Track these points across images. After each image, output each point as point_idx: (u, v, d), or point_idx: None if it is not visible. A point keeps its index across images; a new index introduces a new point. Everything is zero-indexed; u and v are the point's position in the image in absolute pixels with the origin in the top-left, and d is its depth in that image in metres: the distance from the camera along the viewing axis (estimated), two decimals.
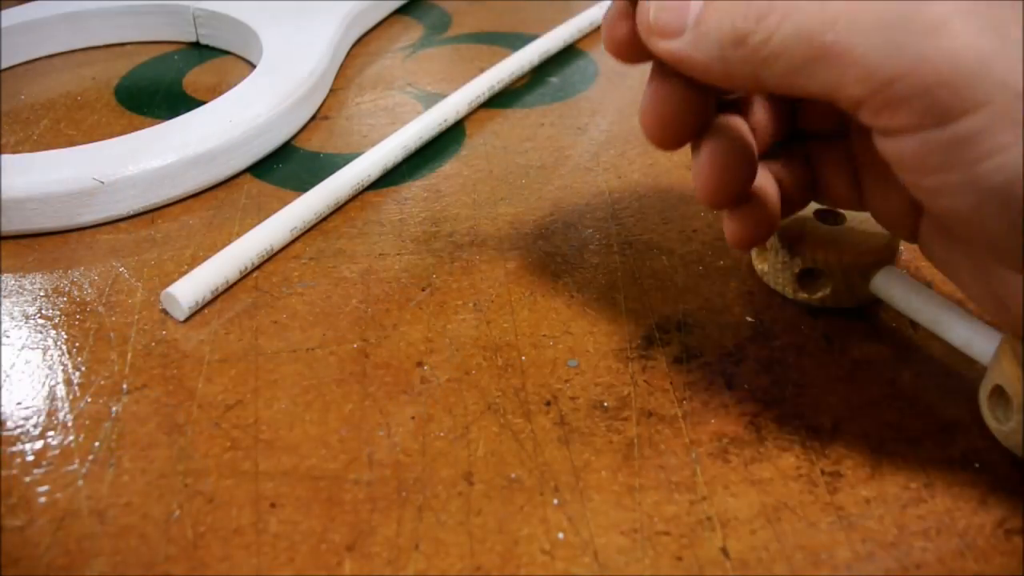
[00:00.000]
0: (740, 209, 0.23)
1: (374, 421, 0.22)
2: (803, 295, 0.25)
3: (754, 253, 0.27)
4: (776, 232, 0.25)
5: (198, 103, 0.37)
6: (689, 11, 0.19)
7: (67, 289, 0.27)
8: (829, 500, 0.20)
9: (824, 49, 0.17)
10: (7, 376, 0.24)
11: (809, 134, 0.24)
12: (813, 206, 0.26)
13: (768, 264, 0.26)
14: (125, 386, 0.24)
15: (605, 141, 0.34)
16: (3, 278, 0.28)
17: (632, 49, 0.21)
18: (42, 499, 0.20)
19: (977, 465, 0.21)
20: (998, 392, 0.21)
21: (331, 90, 0.38)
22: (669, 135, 0.22)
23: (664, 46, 0.20)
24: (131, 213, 0.30)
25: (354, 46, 0.43)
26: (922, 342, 0.24)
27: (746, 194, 0.22)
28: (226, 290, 0.27)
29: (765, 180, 0.23)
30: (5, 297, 0.27)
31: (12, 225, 0.29)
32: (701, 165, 0.22)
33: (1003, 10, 0.17)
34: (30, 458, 0.22)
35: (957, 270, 0.21)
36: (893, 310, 0.25)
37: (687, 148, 0.22)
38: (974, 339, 0.22)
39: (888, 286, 0.24)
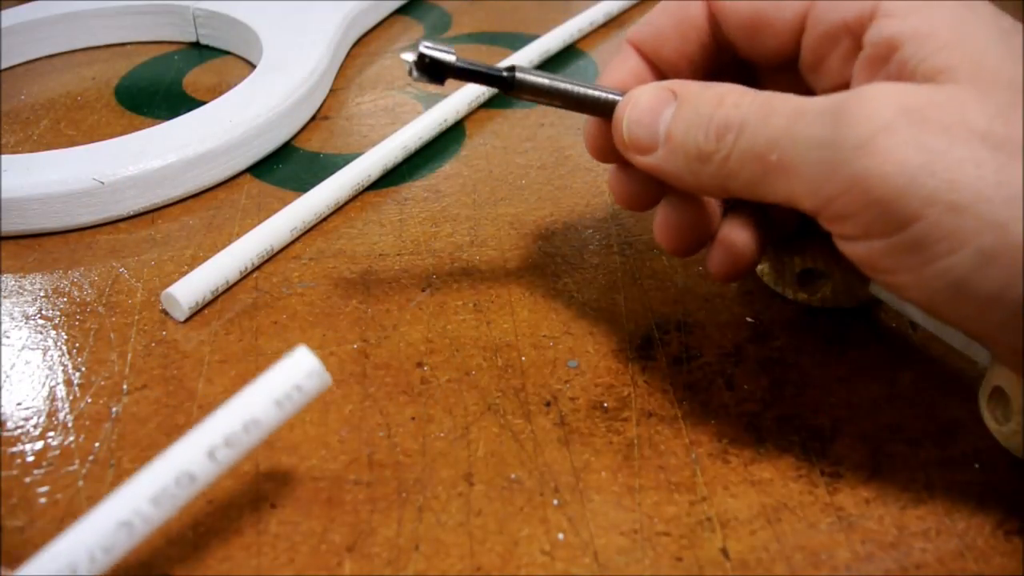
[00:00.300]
0: (710, 254, 0.23)
1: (374, 422, 0.22)
2: (803, 295, 0.25)
3: None
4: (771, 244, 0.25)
5: (198, 103, 0.37)
6: (659, 127, 0.20)
7: (67, 289, 0.27)
8: (829, 501, 0.20)
9: (772, 166, 0.18)
10: (7, 377, 0.24)
11: None
12: None
13: (768, 264, 0.26)
14: (125, 387, 0.24)
15: None
16: (3, 278, 0.28)
17: (613, 156, 0.23)
18: (42, 499, 0.20)
19: (977, 465, 0.21)
20: (998, 393, 0.21)
21: (331, 90, 0.38)
22: (633, 205, 0.24)
23: (640, 160, 0.21)
24: (131, 213, 0.30)
25: (354, 46, 0.43)
26: (922, 342, 0.24)
27: (704, 243, 0.23)
28: (226, 290, 0.27)
29: (734, 225, 0.23)
30: (5, 297, 0.27)
31: (12, 225, 0.29)
32: (656, 226, 0.23)
33: (940, 110, 0.17)
34: (30, 459, 0.22)
35: None
36: (893, 310, 0.25)
37: None
38: (973, 340, 0.22)
39: None
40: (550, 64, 0.41)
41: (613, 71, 0.23)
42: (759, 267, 0.27)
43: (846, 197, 0.17)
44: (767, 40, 0.22)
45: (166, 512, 0.17)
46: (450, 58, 0.21)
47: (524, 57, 0.39)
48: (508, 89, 0.22)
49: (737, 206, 0.23)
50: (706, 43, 0.23)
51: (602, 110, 0.22)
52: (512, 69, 0.22)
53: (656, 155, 0.21)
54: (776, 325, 0.25)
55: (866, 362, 0.24)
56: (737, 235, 0.22)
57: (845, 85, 0.20)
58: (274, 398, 0.18)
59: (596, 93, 0.22)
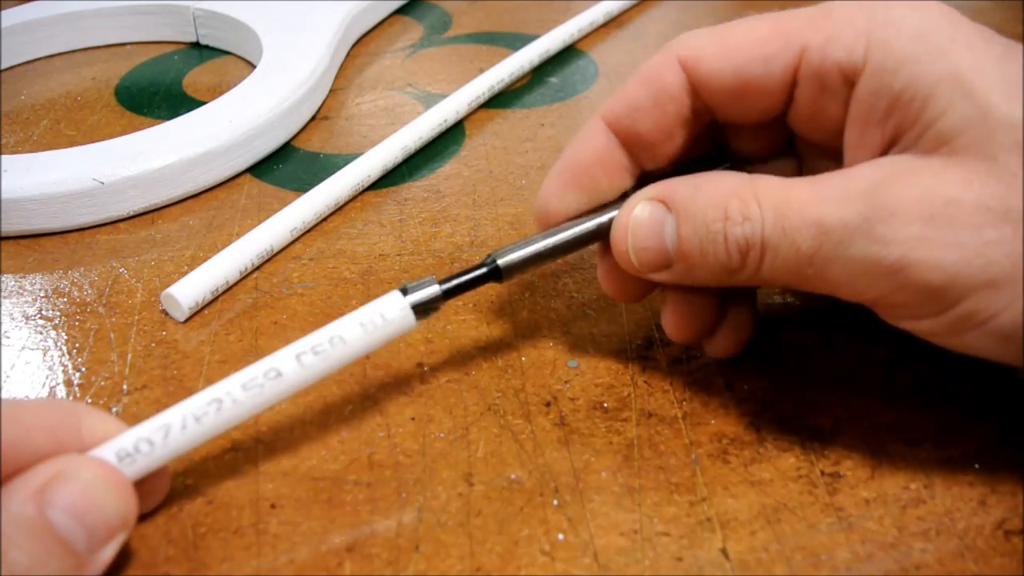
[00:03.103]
0: (716, 336, 0.23)
1: (374, 422, 0.22)
2: None
3: None
4: None
5: (198, 103, 0.37)
6: (665, 243, 0.21)
7: (67, 290, 0.27)
8: (829, 501, 0.20)
9: (810, 276, 0.19)
10: (7, 377, 0.24)
11: None
12: None
13: None
14: (125, 387, 0.24)
15: None
16: (3, 278, 0.28)
17: (633, 293, 0.23)
18: None
19: (977, 465, 0.21)
20: None
21: (331, 90, 0.38)
22: (627, 298, 0.24)
23: (657, 277, 0.21)
24: (131, 213, 0.30)
25: (354, 46, 0.43)
26: (922, 342, 0.24)
27: (713, 330, 0.23)
28: (226, 290, 0.27)
29: (741, 307, 0.23)
30: (5, 298, 0.27)
31: (12, 225, 0.29)
32: (664, 316, 0.23)
33: (959, 204, 0.17)
34: None
35: None
36: None
37: None
38: None
39: None
40: (550, 64, 0.41)
41: (580, 148, 0.23)
42: None
43: (891, 296, 0.18)
44: (754, 103, 0.21)
45: (253, 400, 0.19)
46: (436, 292, 0.21)
47: (524, 57, 0.39)
48: (499, 279, 0.22)
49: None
50: (685, 115, 0.22)
51: (591, 240, 0.22)
52: (492, 261, 0.22)
53: (673, 270, 0.21)
54: (776, 325, 0.25)
55: (866, 362, 0.24)
56: (744, 317, 0.23)
57: (840, 131, 0.20)
58: (359, 320, 0.20)
59: (579, 230, 0.22)
